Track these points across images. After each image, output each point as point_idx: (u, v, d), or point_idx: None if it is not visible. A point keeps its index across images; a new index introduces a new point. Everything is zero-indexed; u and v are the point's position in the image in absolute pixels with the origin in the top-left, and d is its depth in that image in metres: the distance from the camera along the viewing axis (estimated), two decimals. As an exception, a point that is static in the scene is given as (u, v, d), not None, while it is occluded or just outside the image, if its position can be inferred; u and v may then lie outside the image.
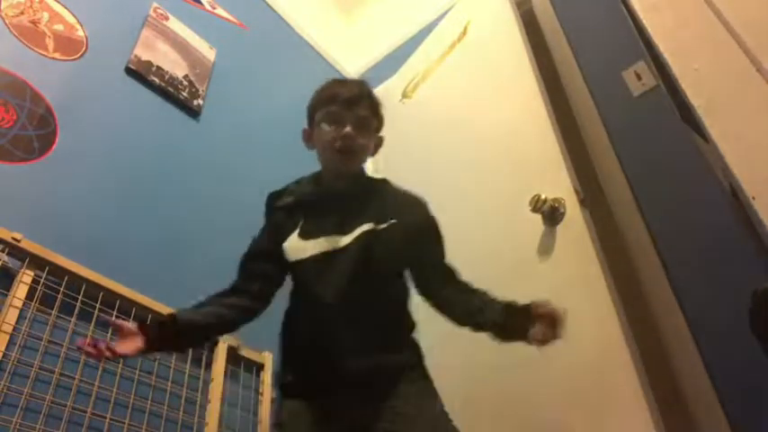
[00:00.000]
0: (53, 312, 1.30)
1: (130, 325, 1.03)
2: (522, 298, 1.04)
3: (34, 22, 1.63)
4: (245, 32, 2.46)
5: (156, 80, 1.88)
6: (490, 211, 1.64)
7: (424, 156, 1.96)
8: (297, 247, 1.13)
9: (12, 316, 1.21)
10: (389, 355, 1.06)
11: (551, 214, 1.42)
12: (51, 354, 1.26)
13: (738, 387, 1.25)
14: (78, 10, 1.77)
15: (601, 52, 1.84)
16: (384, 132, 1.23)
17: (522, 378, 1.35)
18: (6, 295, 1.23)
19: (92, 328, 1.35)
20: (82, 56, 1.71)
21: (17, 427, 1.14)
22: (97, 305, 1.37)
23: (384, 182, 1.24)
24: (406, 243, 1.12)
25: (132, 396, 1.36)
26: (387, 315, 1.10)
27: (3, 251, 1.25)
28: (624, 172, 1.63)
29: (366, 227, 1.10)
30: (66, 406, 1.23)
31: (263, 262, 1.17)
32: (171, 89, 1.91)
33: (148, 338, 1.02)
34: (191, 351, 1.53)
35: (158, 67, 1.91)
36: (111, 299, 1.41)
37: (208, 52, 2.16)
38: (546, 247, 1.43)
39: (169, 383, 1.45)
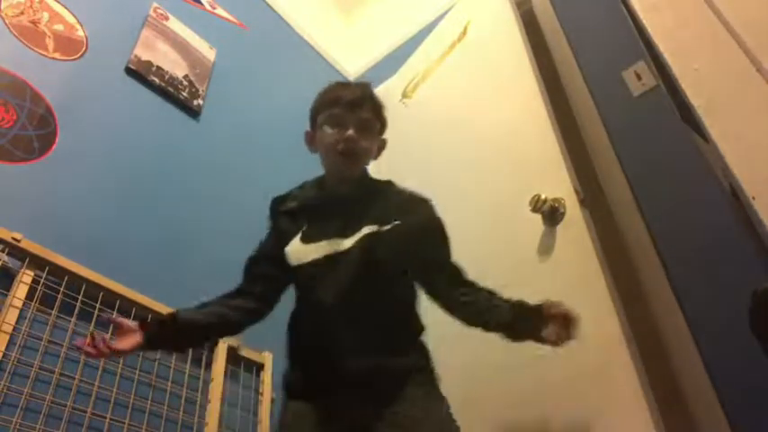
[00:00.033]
0: (53, 312, 1.30)
1: (130, 322, 1.04)
2: (522, 298, 1.05)
3: (34, 22, 1.63)
4: (245, 32, 2.46)
5: (156, 80, 1.88)
6: (490, 211, 1.64)
7: (424, 156, 1.96)
8: (299, 250, 1.13)
9: (12, 316, 1.21)
10: (393, 357, 1.05)
11: (551, 214, 1.42)
12: (51, 354, 1.26)
13: (738, 387, 1.25)
14: (78, 10, 1.77)
15: (601, 52, 1.84)
16: (385, 133, 1.23)
17: (522, 378, 1.35)
18: (6, 295, 1.23)
19: (92, 328, 1.35)
20: (82, 56, 1.71)
21: (17, 427, 1.14)
22: (97, 305, 1.37)
23: (388, 183, 1.23)
24: (411, 244, 1.11)
25: (132, 396, 1.36)
26: (391, 317, 1.09)
27: (3, 251, 1.25)
28: (624, 172, 1.63)
29: (368, 229, 1.09)
30: (66, 406, 1.23)
31: (267, 265, 1.18)
32: (171, 89, 1.91)
33: (148, 336, 1.03)
34: (191, 351, 1.53)
35: (158, 67, 1.91)
36: (111, 299, 1.41)
37: (208, 52, 2.16)
38: (546, 247, 1.43)
39: (169, 383, 1.45)
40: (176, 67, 1.98)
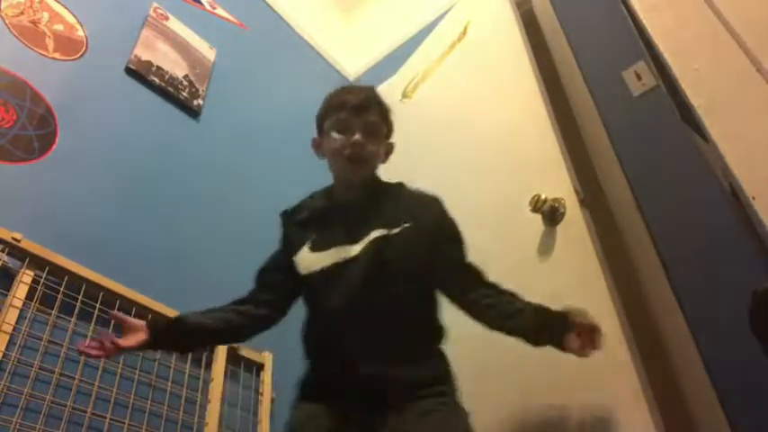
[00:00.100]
0: (53, 312, 1.30)
1: (135, 320, 1.04)
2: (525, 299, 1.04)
3: (34, 22, 1.63)
4: (245, 32, 2.46)
5: (156, 80, 1.88)
6: (490, 211, 1.64)
7: (424, 156, 1.96)
8: (308, 259, 1.13)
9: (12, 316, 1.21)
10: (403, 366, 1.02)
11: (551, 214, 1.42)
12: (51, 354, 1.26)
13: (738, 387, 1.25)
14: (78, 10, 1.77)
15: (601, 52, 1.84)
16: (392, 137, 1.23)
17: (521, 378, 1.35)
18: (6, 295, 1.23)
19: (92, 327, 1.35)
20: (82, 56, 1.71)
21: (17, 427, 1.14)
22: (97, 305, 1.37)
23: (399, 186, 1.23)
24: (423, 245, 1.10)
25: (132, 396, 1.36)
26: (401, 324, 1.06)
27: (3, 251, 1.25)
28: (624, 172, 1.63)
29: (377, 233, 1.08)
30: (66, 406, 1.23)
31: (277, 273, 1.18)
32: (171, 89, 1.91)
33: (154, 335, 1.03)
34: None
35: (158, 67, 1.91)
36: (111, 299, 1.41)
37: (208, 52, 2.16)
38: (546, 247, 1.43)
39: (169, 383, 1.45)
40: (176, 67, 1.98)
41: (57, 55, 1.64)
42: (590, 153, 1.74)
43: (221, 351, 1.60)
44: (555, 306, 1.03)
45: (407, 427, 0.96)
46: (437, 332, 1.12)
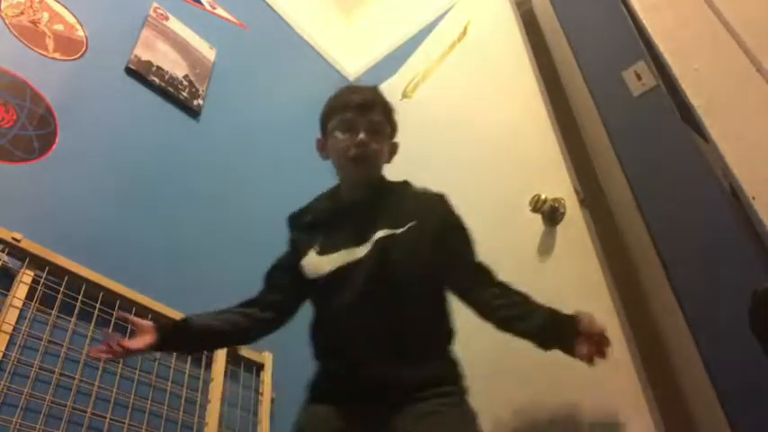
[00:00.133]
0: (53, 312, 1.30)
1: (144, 322, 1.04)
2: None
3: (34, 22, 1.63)
4: (245, 32, 2.46)
5: (156, 80, 1.88)
6: (490, 211, 1.64)
7: (423, 156, 1.96)
8: (315, 263, 1.12)
9: (12, 316, 1.21)
10: (407, 367, 1.02)
11: (551, 214, 1.42)
12: (51, 354, 1.26)
13: (738, 387, 1.25)
14: (78, 10, 1.77)
15: (601, 52, 1.84)
16: (396, 137, 1.23)
17: (521, 379, 1.35)
18: (6, 295, 1.23)
19: (92, 327, 1.35)
20: (82, 56, 1.71)
21: (17, 427, 1.14)
22: (97, 305, 1.37)
23: (404, 184, 1.22)
24: (429, 244, 1.09)
25: (132, 396, 1.36)
26: (406, 325, 1.05)
27: (3, 251, 1.25)
28: (624, 172, 1.63)
29: (382, 233, 1.08)
30: (66, 406, 1.23)
31: (284, 276, 1.18)
32: (171, 89, 1.91)
33: (162, 336, 1.03)
34: (191, 351, 1.53)
35: (158, 67, 1.91)
36: (111, 299, 1.41)
37: (208, 52, 2.16)
38: (546, 247, 1.43)
39: (169, 383, 1.45)
40: (176, 67, 1.98)
41: (57, 55, 1.64)
42: (590, 153, 1.74)
43: (221, 351, 1.60)
44: (555, 306, 1.03)
45: (408, 429, 0.96)
46: (445, 332, 1.11)
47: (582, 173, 1.54)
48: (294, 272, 1.16)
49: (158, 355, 1.45)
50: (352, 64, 3.02)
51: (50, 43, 1.64)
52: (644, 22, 1.36)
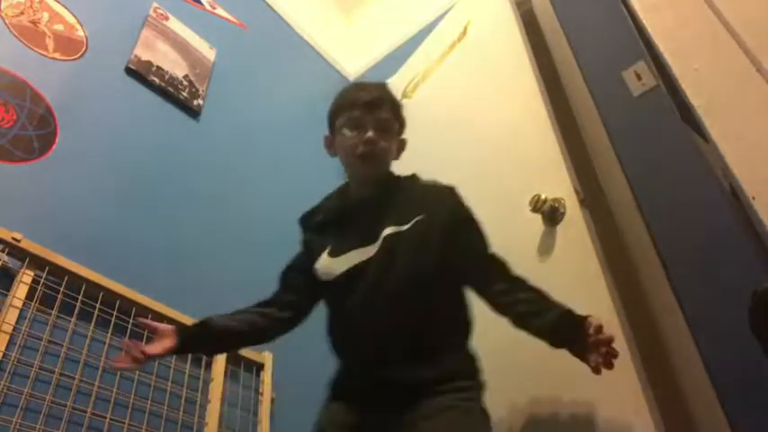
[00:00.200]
0: (53, 312, 1.30)
1: (164, 326, 1.05)
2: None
3: (34, 22, 1.63)
4: (245, 32, 2.46)
5: (156, 80, 1.88)
6: (490, 211, 1.63)
7: (423, 156, 1.95)
8: (328, 265, 1.13)
9: (12, 316, 1.21)
10: (417, 364, 1.01)
11: (551, 214, 1.42)
12: (51, 354, 1.26)
13: (738, 387, 1.25)
14: (78, 10, 1.77)
15: (601, 52, 1.84)
16: (404, 133, 1.23)
17: (522, 379, 1.35)
18: (6, 295, 1.23)
19: (92, 328, 1.35)
20: (82, 56, 1.71)
21: (17, 427, 1.14)
22: (97, 305, 1.37)
23: (412, 178, 1.22)
24: (439, 237, 1.08)
25: (132, 396, 1.36)
26: (418, 321, 1.04)
27: (3, 251, 1.25)
28: (624, 172, 1.63)
29: (389, 230, 1.08)
30: (66, 406, 1.23)
31: (299, 276, 1.19)
32: (171, 89, 1.91)
33: (182, 339, 1.04)
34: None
35: (158, 67, 1.91)
36: (111, 299, 1.41)
37: (208, 52, 2.16)
38: (546, 247, 1.43)
39: (169, 383, 1.45)
40: (176, 67, 1.98)
41: (57, 55, 1.64)
42: (590, 153, 1.74)
43: (221, 351, 1.60)
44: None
45: (421, 425, 0.95)
46: (461, 325, 1.10)
47: (582, 173, 1.54)
48: (308, 274, 1.16)
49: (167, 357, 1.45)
50: (352, 64, 3.02)
51: (50, 43, 1.64)
52: (644, 22, 1.36)
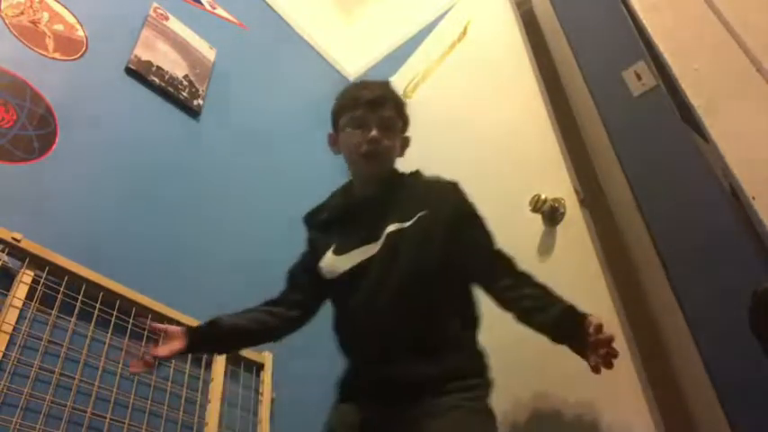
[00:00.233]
0: (53, 312, 1.30)
1: (174, 327, 1.06)
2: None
3: (34, 22, 1.63)
4: (245, 32, 2.46)
5: (156, 80, 1.88)
6: (490, 211, 1.63)
7: (423, 156, 1.95)
8: (332, 264, 1.13)
9: (12, 316, 1.21)
10: (425, 362, 1.00)
11: (551, 214, 1.42)
12: (51, 354, 1.26)
13: (738, 387, 1.25)
14: (78, 10, 1.77)
15: (601, 52, 1.84)
16: (407, 130, 1.23)
17: (522, 379, 1.35)
18: (6, 295, 1.23)
19: (92, 328, 1.35)
20: (82, 56, 1.71)
21: (17, 427, 1.14)
22: (97, 305, 1.37)
23: (415, 175, 1.22)
24: (442, 233, 1.08)
25: (132, 396, 1.36)
26: (422, 319, 1.04)
27: (3, 251, 1.25)
28: (624, 172, 1.63)
29: (392, 227, 1.08)
30: (66, 406, 1.23)
31: (305, 275, 1.19)
32: (171, 89, 1.91)
33: (191, 340, 1.04)
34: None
35: (158, 67, 1.91)
36: (111, 299, 1.41)
37: (208, 52, 2.16)
38: (546, 247, 1.43)
39: (169, 383, 1.45)
40: (176, 67, 1.98)
41: (57, 55, 1.64)
42: (590, 153, 1.74)
43: (221, 351, 1.60)
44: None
45: (426, 424, 0.95)
46: (467, 322, 1.09)
47: (582, 173, 1.54)
48: (313, 272, 1.16)
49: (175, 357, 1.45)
50: (352, 64, 3.02)
51: (50, 43, 1.64)
52: (644, 22, 1.36)
